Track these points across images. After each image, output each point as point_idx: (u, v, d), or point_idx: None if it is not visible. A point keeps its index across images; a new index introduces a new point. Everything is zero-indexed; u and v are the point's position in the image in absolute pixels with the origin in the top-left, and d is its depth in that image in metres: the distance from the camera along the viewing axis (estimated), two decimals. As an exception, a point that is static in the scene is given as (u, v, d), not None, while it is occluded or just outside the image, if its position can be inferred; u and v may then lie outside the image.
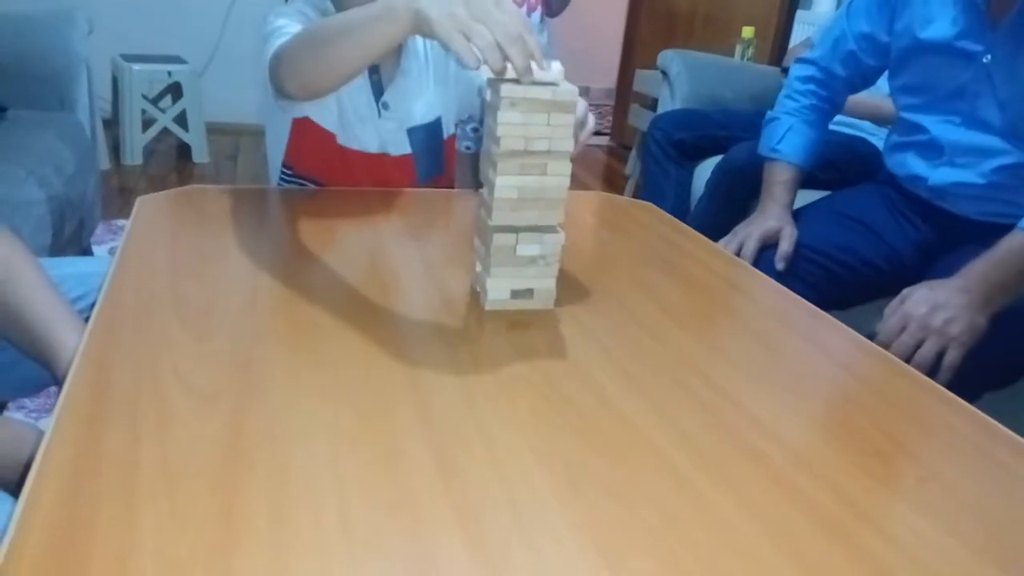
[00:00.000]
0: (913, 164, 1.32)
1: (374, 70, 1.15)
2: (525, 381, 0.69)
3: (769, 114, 1.48)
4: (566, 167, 0.76)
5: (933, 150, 1.29)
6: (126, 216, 0.99)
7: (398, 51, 1.16)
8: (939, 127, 1.27)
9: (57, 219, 1.66)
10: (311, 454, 0.56)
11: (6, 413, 1.37)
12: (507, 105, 0.72)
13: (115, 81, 3.26)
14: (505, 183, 0.75)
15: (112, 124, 3.28)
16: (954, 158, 1.26)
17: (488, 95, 0.77)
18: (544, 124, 0.74)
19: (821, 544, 0.52)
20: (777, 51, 3.32)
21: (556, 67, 0.74)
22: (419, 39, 1.18)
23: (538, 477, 0.56)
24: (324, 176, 1.18)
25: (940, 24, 1.23)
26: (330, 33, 0.86)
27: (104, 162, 2.95)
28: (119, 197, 2.85)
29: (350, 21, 0.83)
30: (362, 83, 1.14)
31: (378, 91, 1.15)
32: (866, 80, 1.44)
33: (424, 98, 1.19)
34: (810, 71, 1.45)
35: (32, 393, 1.21)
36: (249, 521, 0.49)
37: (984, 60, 1.19)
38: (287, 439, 0.57)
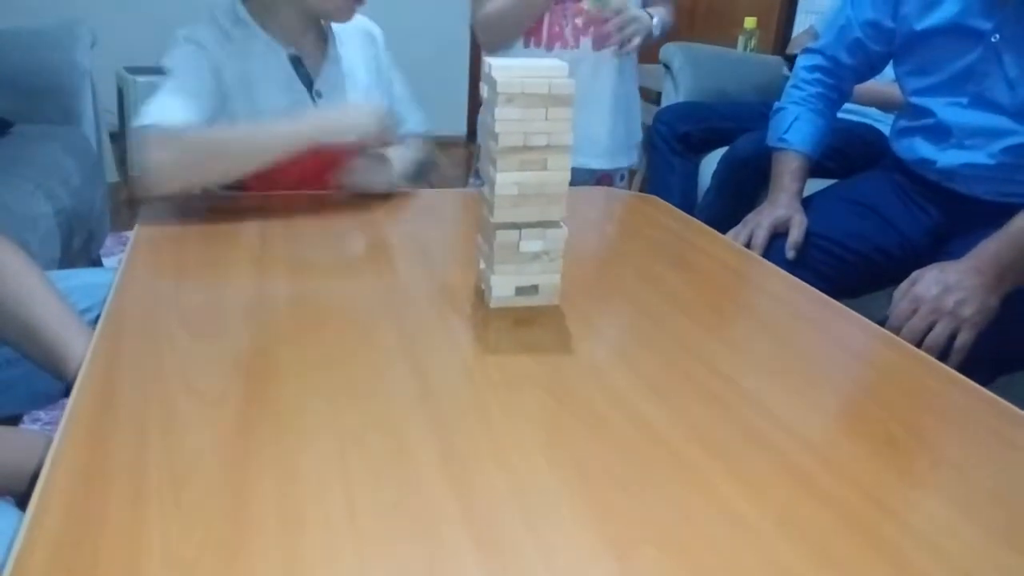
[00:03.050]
0: (921, 147, 1.31)
1: (298, 63, 1.14)
2: (532, 377, 0.68)
3: (776, 105, 1.47)
4: (566, 161, 0.76)
5: (940, 133, 1.27)
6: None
7: (323, 41, 1.16)
8: (946, 110, 1.26)
9: (65, 232, 1.67)
10: (318, 454, 0.56)
11: (21, 426, 1.38)
12: (504, 100, 0.72)
13: (120, 93, 3.28)
14: (505, 179, 0.75)
15: (119, 137, 3.30)
16: (962, 140, 1.25)
17: (485, 91, 0.77)
18: (542, 119, 0.73)
19: (835, 533, 0.52)
20: (780, 41, 3.30)
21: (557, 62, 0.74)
22: (343, 31, 1.18)
23: (546, 471, 0.56)
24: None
25: (948, 4, 1.22)
26: (236, 151, 1.00)
27: (112, 174, 2.96)
28: (128, 209, 2.86)
29: (259, 143, 0.99)
30: (288, 81, 1.13)
31: (307, 82, 1.15)
32: (873, 68, 1.42)
33: (362, 88, 1.19)
34: (816, 60, 1.44)
35: (45, 406, 1.21)
36: (257, 522, 0.49)
37: (993, 39, 1.18)
38: (294, 440, 0.57)
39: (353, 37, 1.18)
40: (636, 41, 1.41)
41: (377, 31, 1.20)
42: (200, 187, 1.03)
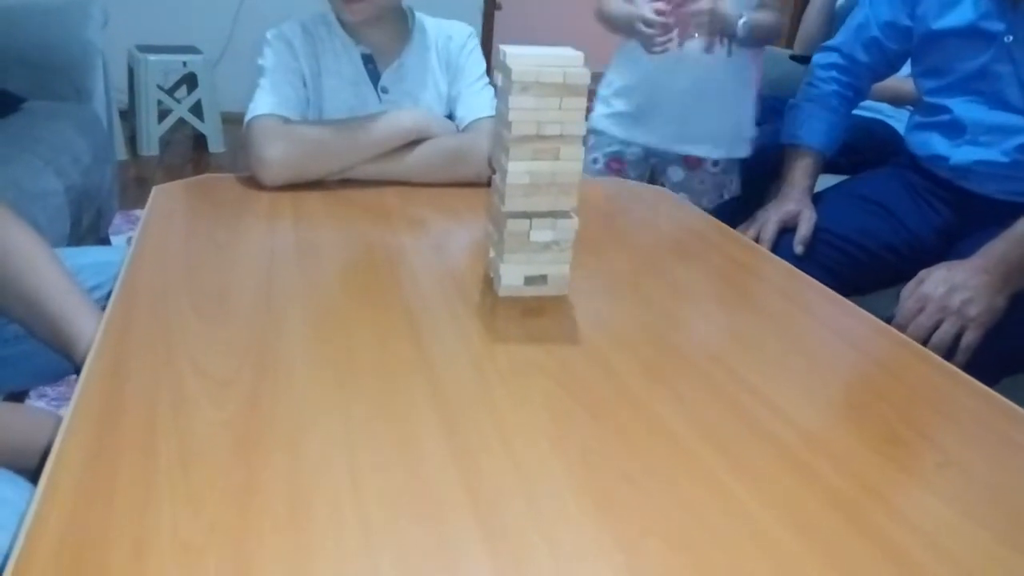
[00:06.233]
0: (935, 143, 1.31)
1: (368, 60, 1.17)
2: (539, 367, 0.69)
3: (791, 102, 1.47)
4: (579, 152, 0.76)
5: (956, 129, 1.27)
6: (143, 206, 1.00)
7: (398, 41, 1.18)
8: (962, 107, 1.26)
9: (75, 209, 1.67)
10: (326, 439, 0.56)
11: (27, 401, 1.39)
12: (519, 89, 0.72)
13: (131, 72, 3.28)
14: (517, 168, 0.75)
15: (128, 115, 3.30)
16: (977, 136, 1.25)
17: (499, 80, 0.76)
18: (556, 108, 0.73)
19: (838, 529, 0.52)
20: (790, 35, 3.27)
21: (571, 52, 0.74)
22: (426, 34, 1.21)
23: (552, 462, 0.56)
24: None
25: (963, 6, 1.22)
26: (339, 147, 1.09)
27: (121, 153, 2.97)
28: (136, 187, 2.87)
29: (363, 135, 1.09)
30: (356, 76, 1.17)
31: (375, 77, 1.18)
32: (891, 66, 1.42)
33: (433, 90, 1.20)
34: (832, 58, 1.44)
35: (52, 381, 1.22)
36: (265, 505, 0.49)
37: (1006, 40, 1.18)
38: (302, 424, 0.58)
39: (436, 39, 1.21)
40: (692, 30, 1.38)
41: (457, 31, 1.22)
42: (310, 179, 1.08)
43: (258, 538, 0.47)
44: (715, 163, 1.53)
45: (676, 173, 1.55)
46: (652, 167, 1.58)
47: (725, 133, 1.51)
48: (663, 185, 1.56)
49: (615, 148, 1.57)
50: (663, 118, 1.50)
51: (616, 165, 1.58)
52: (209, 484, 0.51)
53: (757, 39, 1.46)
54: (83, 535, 0.46)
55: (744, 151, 1.55)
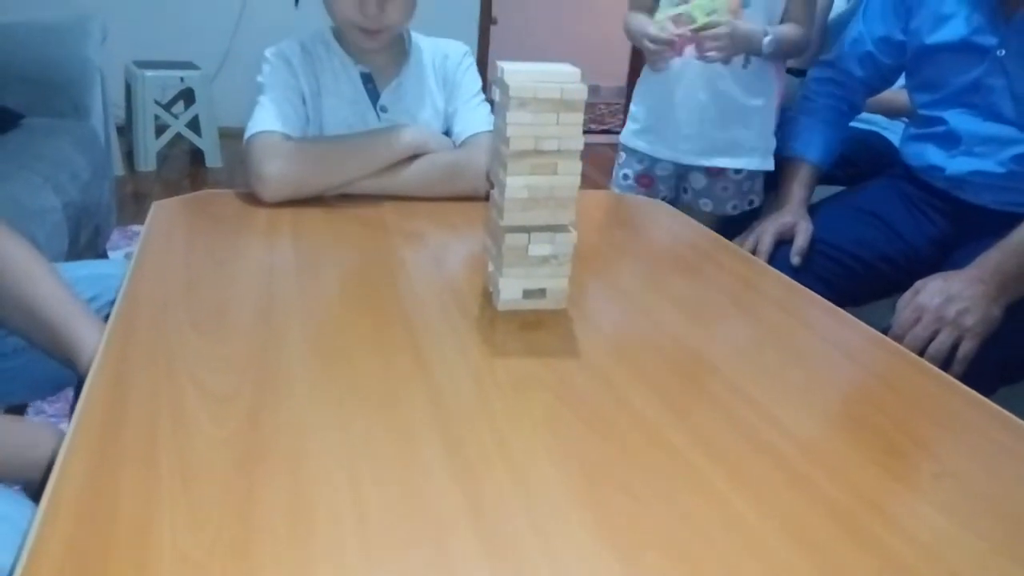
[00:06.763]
0: (931, 154, 1.32)
1: (367, 79, 1.18)
2: (538, 380, 0.69)
3: (787, 115, 1.49)
4: (576, 166, 0.77)
5: (951, 140, 1.28)
6: (141, 222, 1.00)
7: (397, 60, 1.19)
8: (957, 119, 1.27)
9: (73, 226, 1.68)
10: (326, 454, 0.56)
11: (26, 417, 1.39)
12: (516, 105, 0.72)
13: (128, 88, 3.29)
14: (516, 183, 0.76)
15: (126, 130, 3.31)
16: (972, 147, 1.26)
17: (497, 95, 0.77)
18: (554, 123, 0.74)
19: (837, 541, 0.52)
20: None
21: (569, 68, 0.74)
22: (422, 53, 1.22)
23: (552, 475, 0.56)
24: None
25: (955, 21, 1.23)
26: (338, 163, 1.10)
27: (118, 168, 2.97)
28: (133, 203, 2.87)
29: (362, 151, 1.10)
30: (355, 96, 1.18)
31: (374, 96, 1.19)
32: (885, 80, 1.43)
33: (431, 107, 1.21)
34: (827, 72, 1.45)
35: (50, 395, 1.22)
36: (266, 520, 0.49)
37: (998, 54, 1.19)
38: (302, 440, 0.58)
39: (432, 57, 1.22)
40: (713, 55, 1.36)
41: (453, 50, 1.23)
42: (309, 195, 1.09)
43: (259, 554, 0.47)
44: (737, 171, 1.53)
45: (698, 180, 1.54)
46: (678, 178, 1.58)
47: (744, 144, 1.50)
48: (687, 192, 1.57)
49: (645, 165, 1.56)
50: (682, 131, 1.49)
51: (646, 181, 1.58)
52: (210, 500, 0.51)
53: (782, 53, 1.44)
54: (86, 551, 0.46)
55: (766, 164, 1.52)
